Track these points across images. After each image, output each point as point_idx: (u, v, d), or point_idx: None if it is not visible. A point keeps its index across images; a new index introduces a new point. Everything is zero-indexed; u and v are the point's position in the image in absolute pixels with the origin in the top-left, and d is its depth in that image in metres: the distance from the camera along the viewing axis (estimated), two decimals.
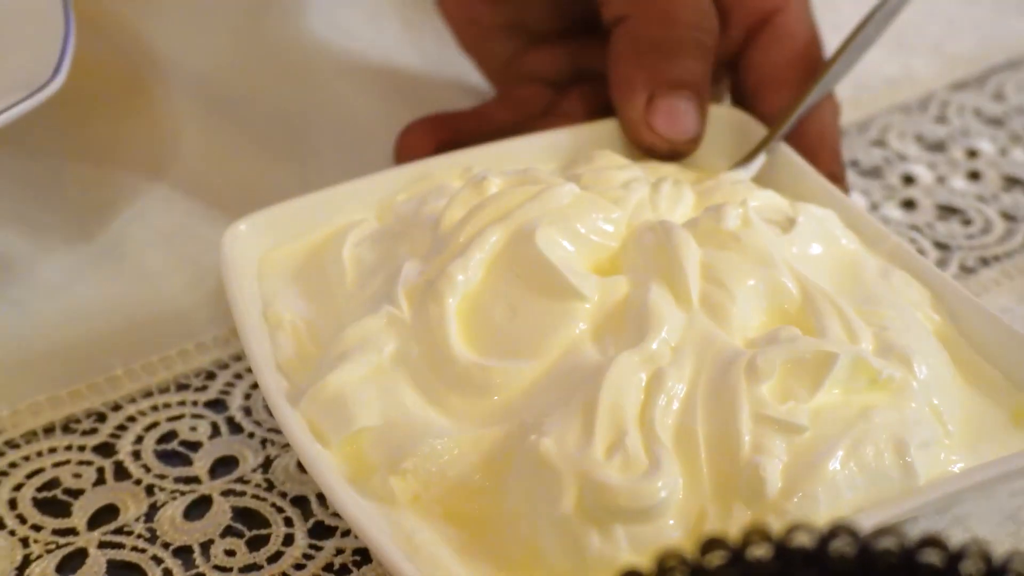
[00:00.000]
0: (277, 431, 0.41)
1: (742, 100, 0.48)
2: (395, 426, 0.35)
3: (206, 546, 0.37)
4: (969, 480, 0.35)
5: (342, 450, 0.35)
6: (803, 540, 0.23)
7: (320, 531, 0.38)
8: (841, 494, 0.34)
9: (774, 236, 0.40)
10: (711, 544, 0.23)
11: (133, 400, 0.42)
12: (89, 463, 0.40)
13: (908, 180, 0.53)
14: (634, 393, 0.35)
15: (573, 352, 0.36)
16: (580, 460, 0.33)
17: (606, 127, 0.46)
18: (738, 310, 0.37)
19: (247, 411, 0.41)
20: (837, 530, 0.23)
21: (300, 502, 0.39)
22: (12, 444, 0.40)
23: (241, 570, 0.37)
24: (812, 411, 0.35)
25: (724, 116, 0.47)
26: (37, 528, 0.38)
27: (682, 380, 0.35)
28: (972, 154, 0.54)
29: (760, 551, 0.23)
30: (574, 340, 0.37)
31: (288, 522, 0.38)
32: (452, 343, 0.36)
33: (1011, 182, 0.53)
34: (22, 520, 0.38)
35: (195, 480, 0.39)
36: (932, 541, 0.22)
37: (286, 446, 0.40)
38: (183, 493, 0.39)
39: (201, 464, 0.40)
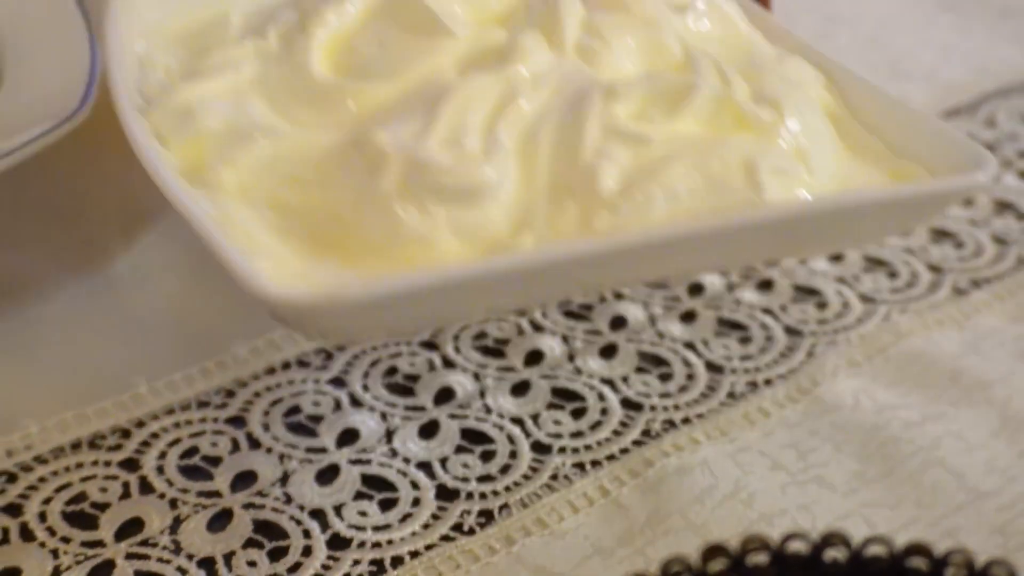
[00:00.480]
0: (295, 446, 0.42)
1: None
2: (236, 130, 0.36)
3: (228, 557, 0.39)
4: (820, 205, 0.34)
5: (182, 151, 0.36)
6: (799, 547, 0.24)
7: (338, 543, 0.39)
8: (680, 198, 0.33)
9: (667, 9, 0.40)
10: (713, 551, 0.25)
11: (156, 417, 0.43)
12: (115, 478, 0.41)
13: None
14: (482, 105, 0.35)
15: (433, 78, 0.37)
16: (411, 146, 0.33)
17: None
18: (613, 58, 0.37)
19: (266, 427, 0.43)
20: (831, 538, 0.24)
21: (318, 515, 0.40)
22: (41, 459, 0.42)
23: None
24: (666, 133, 0.35)
25: None
26: (66, 540, 0.39)
27: (536, 101, 0.35)
28: None
29: (758, 558, 0.25)
30: (436, 68, 0.37)
31: (307, 534, 0.40)
32: (312, 66, 0.37)
33: (1002, 207, 0.55)
34: (52, 532, 0.40)
35: (216, 494, 0.41)
36: (919, 548, 0.24)
37: (304, 461, 0.42)
38: (205, 506, 0.40)
39: (222, 478, 0.41)
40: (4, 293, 0.48)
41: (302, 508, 0.40)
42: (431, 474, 0.41)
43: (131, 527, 0.40)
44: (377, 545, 0.39)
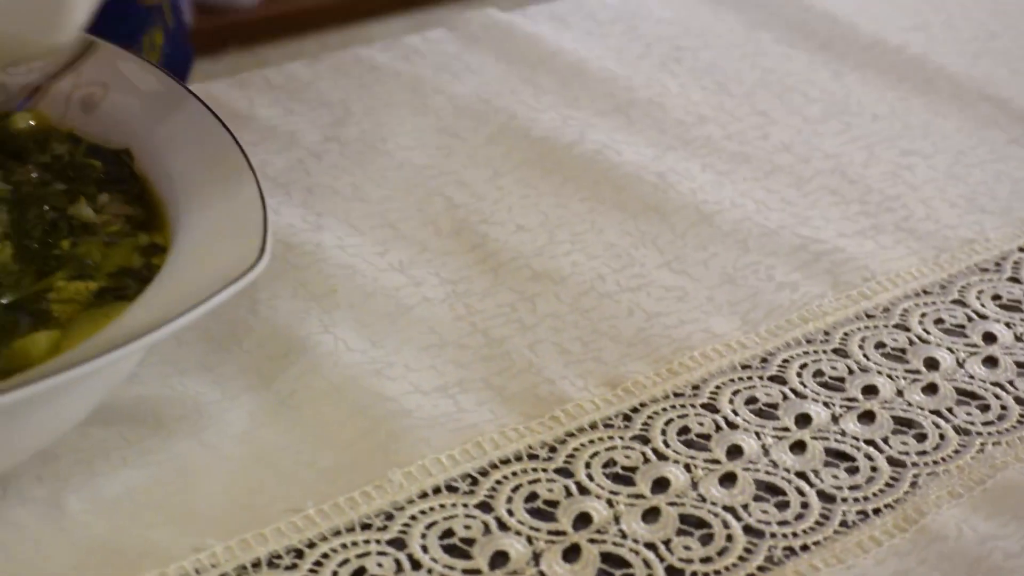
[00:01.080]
0: (452, 567, 0.47)
1: None
2: None
3: None
4: None
5: None
6: None
7: None
8: None
9: None
10: None
11: (324, 538, 0.48)
12: None
13: (990, 338, 0.59)
14: None
15: None
16: None
17: None
18: None
19: (424, 548, 0.48)
20: None
21: None
22: None
23: None
24: None
25: None
26: None
27: None
28: None
29: None
30: None
31: None
32: None
33: None
34: None
35: None
36: None
37: None
38: None
39: None
40: (177, 417, 0.53)
41: None
42: None
43: None
44: None
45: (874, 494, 0.50)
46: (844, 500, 0.50)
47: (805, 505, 0.50)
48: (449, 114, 0.74)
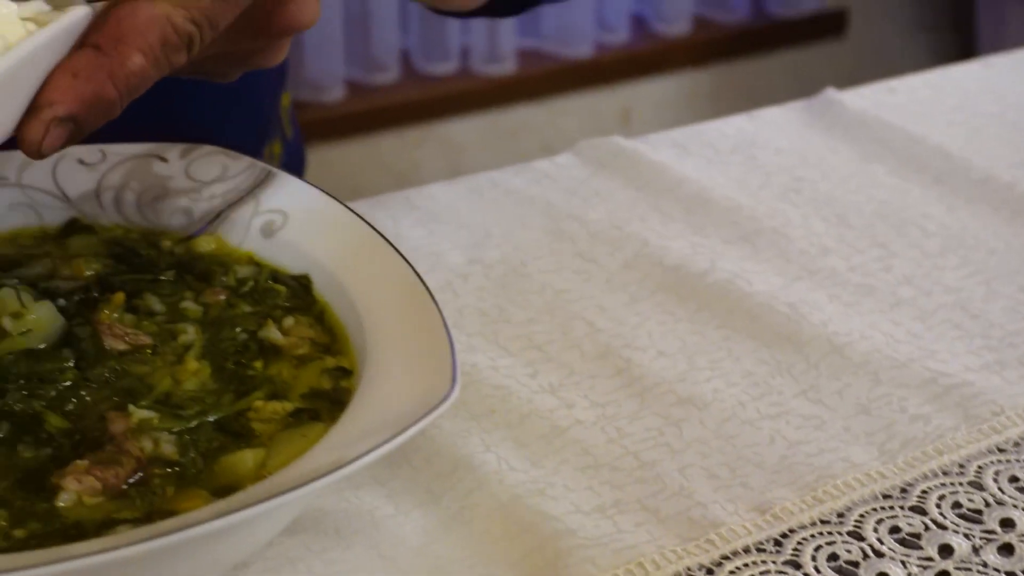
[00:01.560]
0: None
1: None
2: None
3: None
4: None
5: None
6: None
7: None
8: None
9: None
10: None
11: None
12: None
13: None
14: None
15: None
16: None
17: None
18: None
19: None
20: None
21: None
22: None
23: None
24: None
25: None
26: None
27: None
28: None
29: None
30: None
31: None
32: None
33: None
34: None
35: None
36: None
37: None
38: None
39: None
40: (355, 530, 0.57)
41: None
42: None
43: None
44: None
45: None
46: None
47: None
48: (584, 239, 0.78)
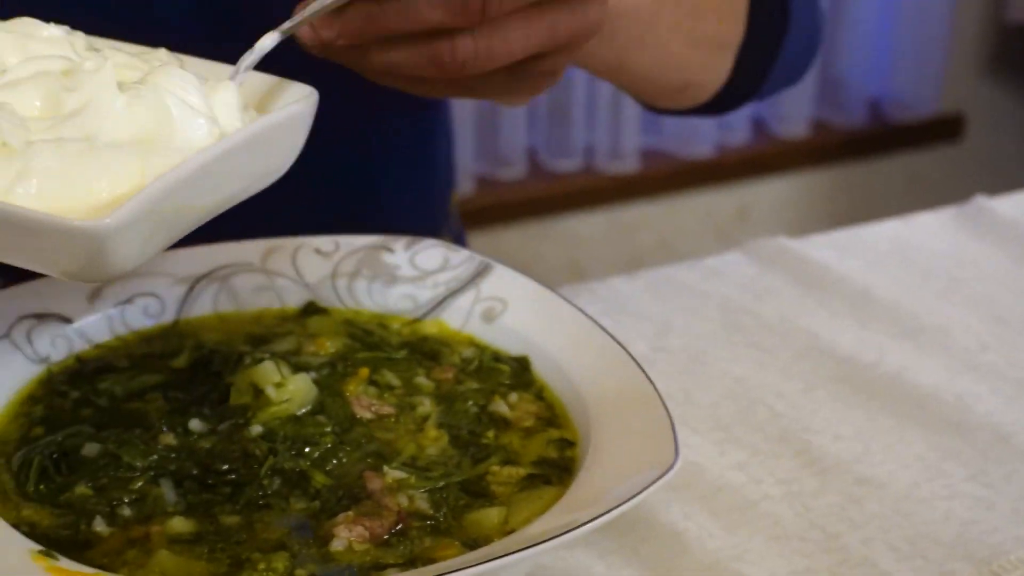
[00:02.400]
0: None
1: None
2: None
3: None
4: None
5: None
6: None
7: None
8: None
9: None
10: None
11: None
12: None
13: None
14: None
15: None
16: None
17: None
18: None
19: None
20: None
21: None
22: None
23: None
24: None
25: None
26: None
27: None
28: None
29: None
30: None
31: None
32: None
33: None
34: None
35: None
36: None
37: None
38: None
39: None
40: None
41: None
42: None
43: None
44: None
45: None
46: None
47: None
48: (757, 331, 0.85)
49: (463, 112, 2.42)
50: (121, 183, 0.54)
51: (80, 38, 0.63)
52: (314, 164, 0.81)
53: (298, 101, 0.61)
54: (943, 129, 2.80)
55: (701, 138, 2.64)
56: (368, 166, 1.04)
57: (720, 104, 0.90)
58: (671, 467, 0.58)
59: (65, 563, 0.55)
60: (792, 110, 2.69)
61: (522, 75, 0.65)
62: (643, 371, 0.65)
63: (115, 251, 0.52)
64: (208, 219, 0.58)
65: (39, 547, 0.56)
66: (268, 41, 0.62)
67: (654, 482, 0.57)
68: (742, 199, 2.69)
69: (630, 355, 0.67)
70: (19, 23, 0.62)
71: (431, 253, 0.76)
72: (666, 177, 2.63)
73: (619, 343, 0.68)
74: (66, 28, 0.63)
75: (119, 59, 0.61)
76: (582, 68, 0.80)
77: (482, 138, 2.50)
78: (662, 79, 0.84)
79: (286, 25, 0.62)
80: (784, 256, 0.93)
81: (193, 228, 0.57)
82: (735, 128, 2.68)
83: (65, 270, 0.54)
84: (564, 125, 2.57)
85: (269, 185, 0.61)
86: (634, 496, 0.56)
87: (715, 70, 0.86)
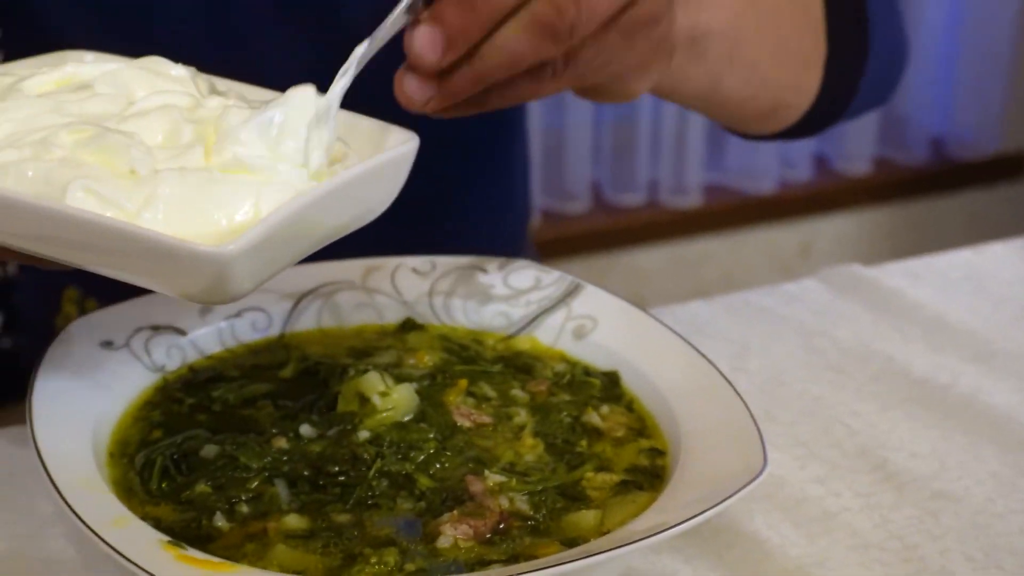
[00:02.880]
0: None
1: None
2: None
3: None
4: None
5: None
6: None
7: None
8: None
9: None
10: None
11: None
12: None
13: None
14: None
15: None
16: None
17: None
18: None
19: None
20: None
21: None
22: None
23: None
24: None
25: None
26: None
27: None
28: None
29: None
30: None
31: None
32: None
33: None
34: None
35: None
36: None
37: None
38: None
39: None
40: None
41: None
42: None
43: None
44: None
45: None
46: None
47: None
48: (834, 353, 0.88)
49: (530, 147, 2.47)
50: (237, 213, 0.58)
51: (204, 79, 0.67)
52: (400, 195, 0.85)
53: (402, 144, 0.64)
54: (1004, 167, 2.82)
55: (764, 174, 2.67)
56: (449, 197, 1.08)
57: (810, 126, 0.92)
58: (760, 472, 0.62)
59: (192, 552, 0.59)
60: (855, 148, 2.72)
61: (630, 31, 0.64)
62: (730, 384, 0.69)
63: (233, 277, 0.56)
64: (312, 252, 0.62)
65: (168, 538, 0.60)
66: (361, 50, 0.62)
67: (745, 486, 0.60)
68: (805, 235, 2.71)
69: (717, 369, 0.70)
70: (150, 61, 0.67)
71: (524, 273, 0.80)
72: (729, 212, 2.66)
73: (706, 358, 0.71)
74: (192, 69, 0.67)
75: (236, 96, 0.66)
76: (678, 99, 0.83)
77: (548, 173, 2.55)
78: (752, 101, 0.87)
79: (378, 33, 0.62)
80: (858, 283, 0.96)
81: (299, 259, 0.62)
82: (798, 165, 2.71)
83: (186, 292, 0.58)
84: (628, 160, 2.61)
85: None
86: (726, 499, 0.59)
87: (802, 89, 0.88)
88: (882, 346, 0.88)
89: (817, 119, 0.91)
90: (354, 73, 0.63)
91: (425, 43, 0.60)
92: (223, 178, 0.59)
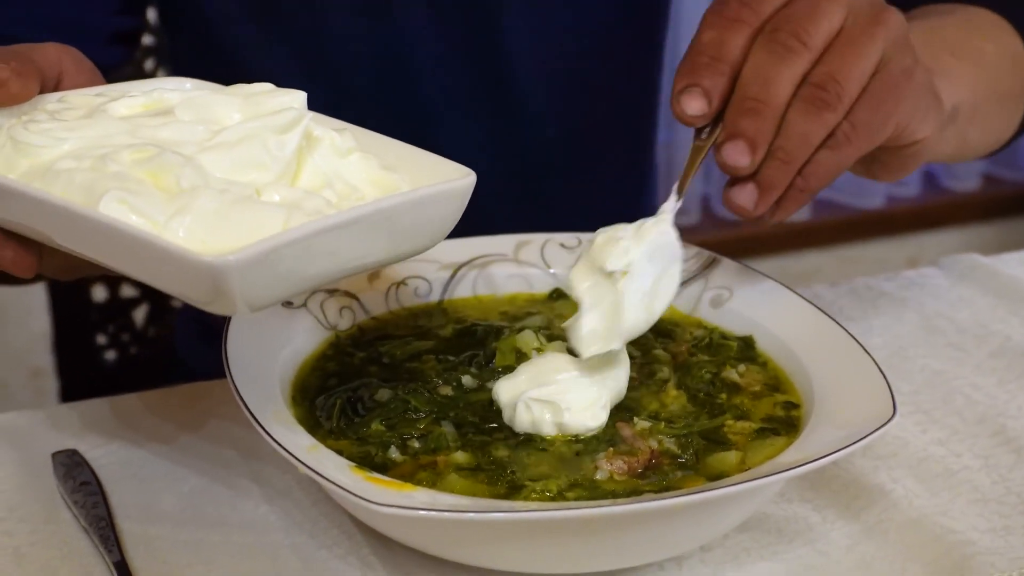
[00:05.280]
0: None
1: None
2: None
3: None
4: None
5: None
6: None
7: None
8: None
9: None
10: None
11: None
12: None
13: None
14: None
15: None
16: None
17: None
18: None
19: None
20: None
21: None
22: None
23: None
24: None
25: None
26: None
27: None
28: None
29: None
30: None
31: None
32: None
33: None
34: None
35: None
36: None
37: None
38: None
39: None
40: (794, 532, 0.72)
41: None
42: None
43: None
44: None
45: None
46: None
47: None
48: (953, 333, 0.93)
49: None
50: (263, 231, 0.61)
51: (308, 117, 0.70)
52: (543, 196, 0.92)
53: (452, 180, 0.67)
54: None
55: (871, 191, 2.70)
56: (586, 196, 1.14)
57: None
58: (891, 419, 0.67)
59: (376, 475, 0.66)
60: (963, 165, 2.74)
61: (893, 83, 0.74)
62: (858, 342, 0.74)
63: (236, 287, 0.59)
64: (343, 276, 0.66)
65: (354, 463, 0.67)
66: (671, 204, 0.74)
67: (878, 429, 0.66)
68: (912, 251, 2.74)
69: (846, 330, 0.76)
70: (254, 87, 0.71)
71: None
72: (838, 227, 2.70)
73: (835, 320, 0.77)
74: (303, 95, 0.70)
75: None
76: (932, 159, 0.89)
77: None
78: (985, 148, 0.95)
79: (683, 183, 0.75)
80: (976, 271, 1.01)
81: (334, 280, 0.65)
82: (906, 182, 2.74)
83: (193, 297, 0.62)
84: None
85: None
86: (861, 439, 0.65)
87: (1013, 125, 0.95)
88: (1000, 327, 0.93)
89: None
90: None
91: (735, 154, 0.70)
92: (258, 200, 0.63)
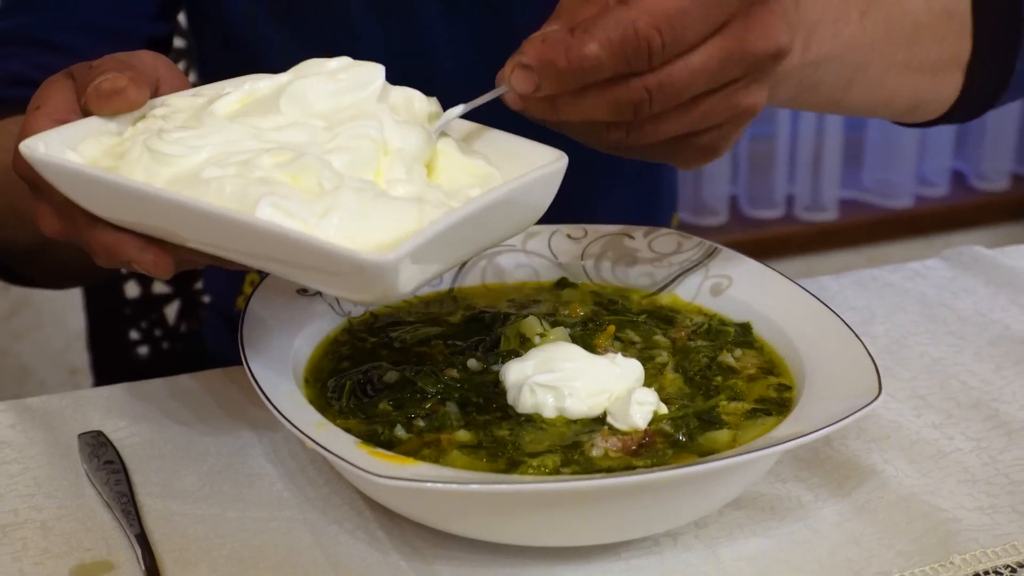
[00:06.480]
0: None
1: None
2: None
3: None
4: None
5: None
6: None
7: None
8: None
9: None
10: None
11: None
12: None
13: None
14: None
15: None
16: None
17: None
18: None
19: None
20: None
21: None
22: None
23: None
24: None
25: None
26: None
27: None
28: None
29: None
30: None
31: None
32: None
33: None
34: None
35: None
36: None
37: None
38: None
39: None
40: (786, 508, 0.75)
41: None
42: None
43: None
44: None
45: None
46: None
47: None
48: (953, 321, 0.95)
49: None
50: (401, 226, 0.66)
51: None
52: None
53: (551, 163, 0.72)
54: None
55: (899, 191, 2.72)
56: (596, 191, 1.17)
57: (962, 113, 0.94)
58: (876, 397, 0.70)
59: (381, 451, 0.69)
60: (992, 165, 2.75)
61: (682, 146, 0.74)
62: (850, 328, 0.77)
63: (394, 281, 0.64)
64: (470, 258, 0.69)
65: (360, 440, 0.70)
66: (457, 112, 0.75)
67: (865, 407, 0.68)
68: (940, 251, 2.73)
69: (839, 317, 0.78)
70: (307, 65, 0.75)
71: (666, 239, 0.89)
72: (865, 227, 2.72)
73: (830, 308, 0.79)
74: (348, 59, 0.74)
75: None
76: (805, 108, 0.87)
77: (687, 187, 2.63)
78: (883, 108, 0.91)
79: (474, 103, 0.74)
80: (978, 262, 1.03)
81: (455, 265, 0.68)
82: (934, 183, 2.75)
83: (354, 294, 0.66)
84: (766, 176, 2.68)
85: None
86: (847, 416, 0.68)
87: (942, 88, 0.91)
88: (1000, 316, 0.95)
89: (968, 108, 0.94)
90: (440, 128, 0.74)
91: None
92: (390, 196, 0.68)
